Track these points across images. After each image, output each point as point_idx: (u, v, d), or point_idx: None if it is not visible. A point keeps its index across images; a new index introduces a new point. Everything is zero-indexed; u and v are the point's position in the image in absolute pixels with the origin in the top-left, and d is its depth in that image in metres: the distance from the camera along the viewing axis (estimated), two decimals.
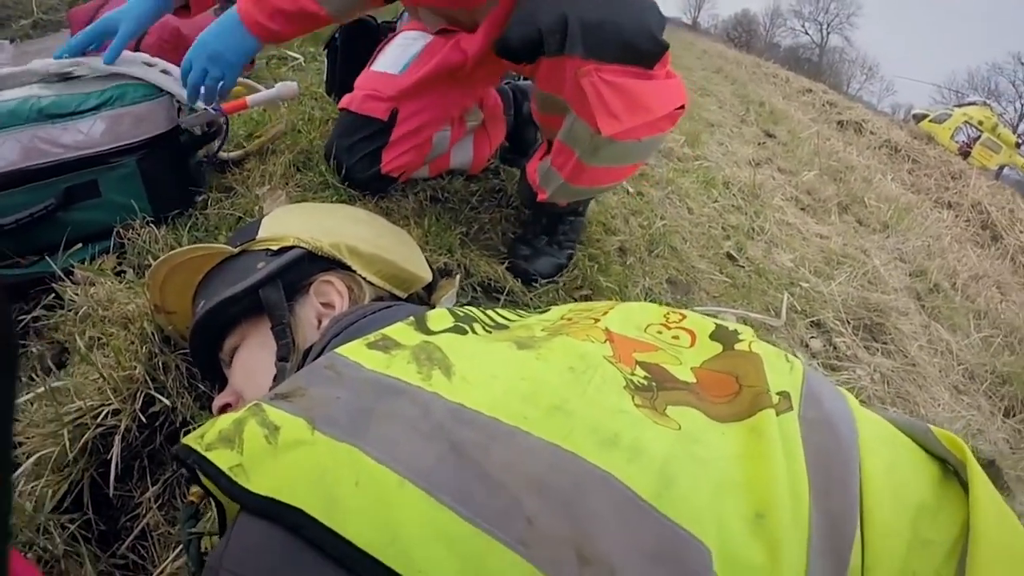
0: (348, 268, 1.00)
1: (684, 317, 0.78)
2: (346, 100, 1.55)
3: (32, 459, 0.90)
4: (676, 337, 0.74)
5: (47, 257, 1.21)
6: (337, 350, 0.67)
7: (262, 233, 1.01)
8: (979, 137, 9.68)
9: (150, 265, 1.19)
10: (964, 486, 0.56)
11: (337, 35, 2.00)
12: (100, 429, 0.93)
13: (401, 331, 0.71)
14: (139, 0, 1.35)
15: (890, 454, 0.58)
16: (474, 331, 0.74)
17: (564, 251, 1.68)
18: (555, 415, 0.55)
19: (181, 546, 0.93)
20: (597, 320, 0.75)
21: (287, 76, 2.48)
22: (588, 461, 0.52)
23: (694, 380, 0.65)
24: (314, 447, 0.54)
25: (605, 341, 0.68)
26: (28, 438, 0.93)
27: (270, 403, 0.59)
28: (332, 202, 1.45)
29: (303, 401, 0.59)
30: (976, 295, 3.25)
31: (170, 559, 0.92)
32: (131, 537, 0.94)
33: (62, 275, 1.17)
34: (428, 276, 1.09)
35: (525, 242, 1.65)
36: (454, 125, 1.72)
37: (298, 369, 0.84)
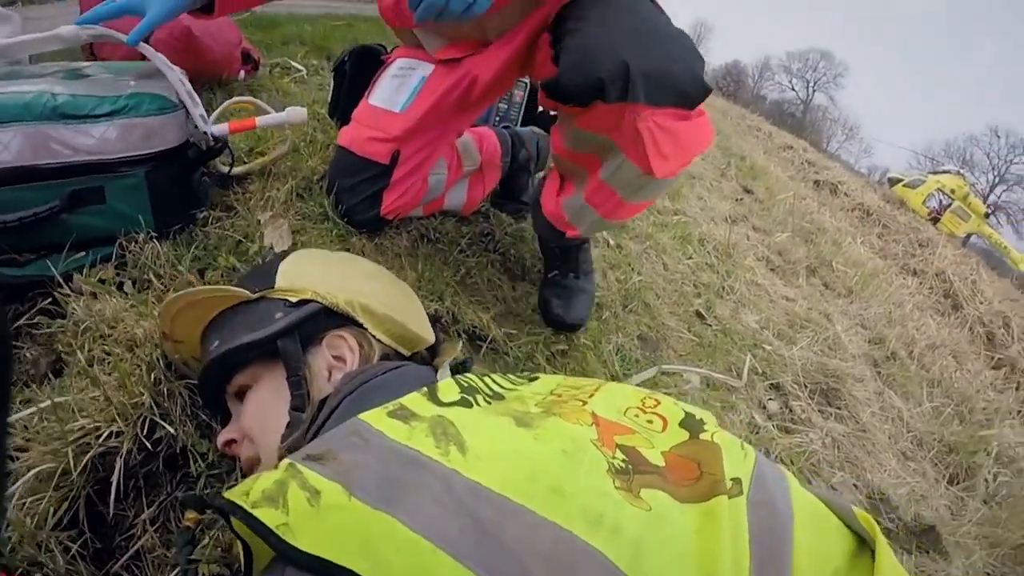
0: (360, 325, 1.05)
1: (658, 403, 0.87)
2: (347, 139, 1.57)
3: (32, 473, 0.92)
4: (650, 421, 0.82)
5: (47, 260, 1.21)
6: (360, 417, 0.74)
7: (280, 282, 1.05)
8: (950, 205, 9.90)
9: (150, 280, 1.22)
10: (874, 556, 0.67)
11: (346, 59, 2.02)
12: (101, 449, 0.96)
13: (416, 402, 0.78)
14: None
15: (817, 529, 0.69)
16: (477, 403, 0.81)
17: (590, 278, 1.77)
18: (553, 496, 0.63)
19: (176, 569, 0.96)
20: (585, 403, 0.82)
21: (288, 87, 2.50)
22: (579, 538, 0.60)
23: (663, 464, 0.73)
24: (353, 512, 0.61)
25: (591, 424, 0.76)
26: (25, 451, 0.96)
27: (305, 465, 0.66)
28: (330, 234, 1.49)
29: (335, 465, 0.65)
30: (932, 364, 3.34)
31: None
32: (125, 557, 0.97)
33: (62, 280, 1.18)
34: (431, 339, 1.14)
35: (556, 286, 1.71)
36: (451, 168, 1.76)
37: (312, 421, 0.90)
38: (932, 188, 9.69)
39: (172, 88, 1.34)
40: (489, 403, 0.82)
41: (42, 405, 1.00)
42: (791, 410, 2.34)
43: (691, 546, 0.63)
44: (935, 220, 9.23)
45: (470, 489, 0.63)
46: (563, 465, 0.67)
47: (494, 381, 0.91)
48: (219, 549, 0.98)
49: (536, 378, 0.96)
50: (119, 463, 0.97)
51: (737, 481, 0.71)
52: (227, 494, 0.65)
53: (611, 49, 1.15)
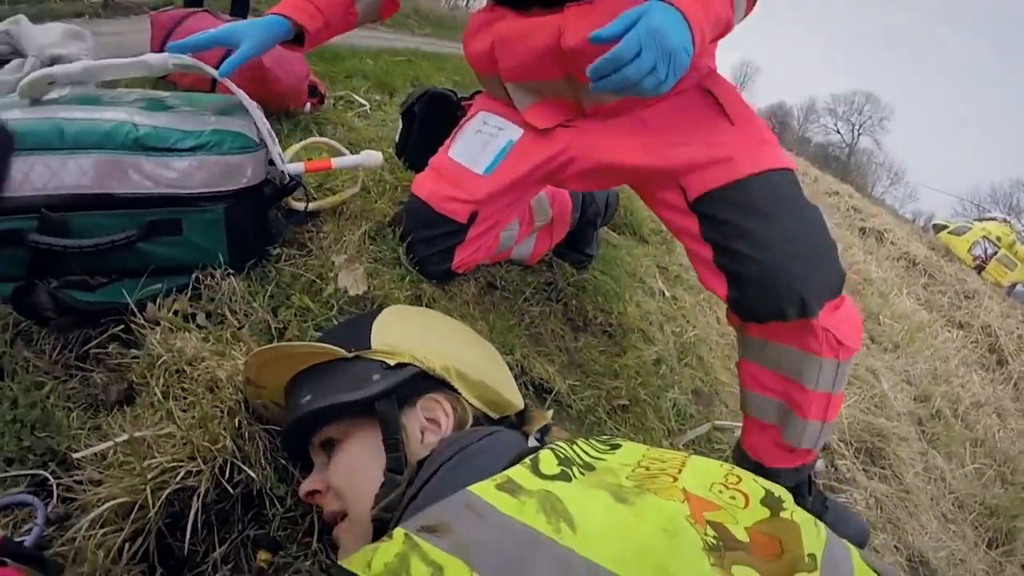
0: (454, 390, 1.05)
1: (740, 480, 0.85)
2: (425, 191, 1.56)
3: (107, 506, 0.93)
4: (733, 497, 0.81)
5: (121, 288, 1.22)
6: (471, 489, 0.73)
7: (376, 343, 1.05)
8: (996, 253, 9.73)
9: (224, 315, 1.24)
10: None
11: (416, 103, 2.04)
12: (177, 486, 0.97)
13: (522, 475, 0.77)
14: (262, 23, 1.39)
15: None
16: (575, 475, 0.80)
17: (822, 494, 1.76)
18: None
19: None
20: (675, 479, 0.81)
21: (352, 121, 2.52)
22: None
23: (748, 540, 0.72)
24: None
25: (683, 501, 0.75)
26: (99, 484, 0.97)
27: (422, 537, 0.65)
28: (402, 281, 1.50)
29: (452, 539, 0.64)
30: (976, 423, 3.33)
31: None
32: None
33: (135, 309, 1.19)
34: (520, 404, 1.14)
35: (826, 512, 1.70)
36: (523, 223, 1.77)
37: (409, 483, 0.91)
38: (978, 235, 9.54)
39: (252, 125, 1.35)
40: (583, 475, 0.81)
41: (119, 439, 1.01)
42: (836, 468, 2.32)
43: None
44: (980, 268, 9.08)
45: (587, 569, 0.62)
46: (665, 544, 0.66)
47: (583, 450, 0.90)
48: None
49: (618, 446, 0.95)
50: (196, 503, 0.98)
51: (812, 557, 0.71)
52: (346, 564, 0.65)
53: (787, 282, 1.29)
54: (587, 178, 1.57)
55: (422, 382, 1.04)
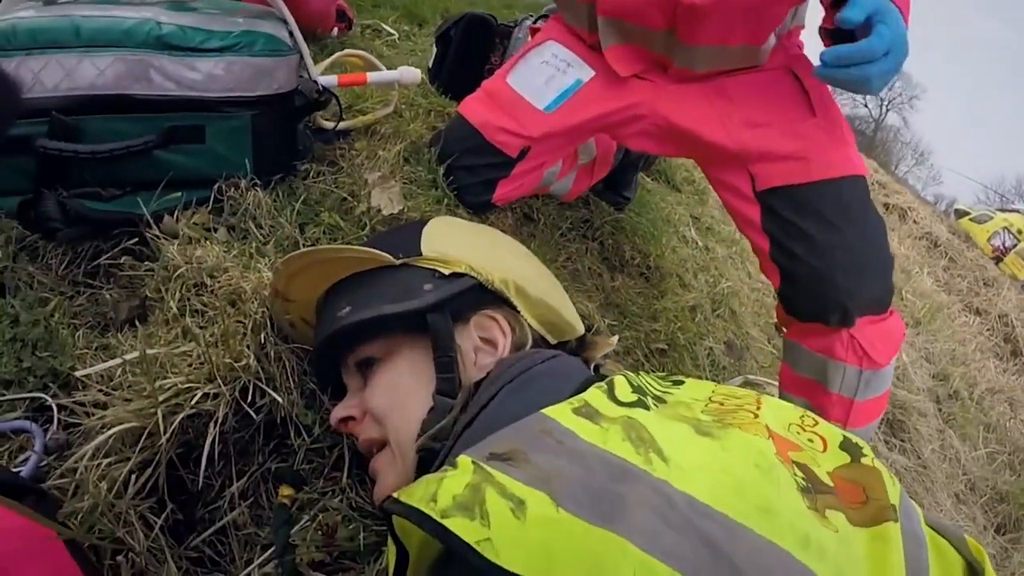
0: (513, 307, 0.94)
1: (817, 423, 0.78)
2: (478, 118, 1.45)
3: (113, 432, 0.83)
4: (811, 440, 0.74)
5: (138, 197, 1.12)
6: (546, 412, 0.65)
7: (427, 250, 0.93)
8: (1015, 245, 9.60)
9: (248, 230, 1.13)
10: None
11: (453, 27, 1.93)
12: (193, 411, 0.86)
13: (598, 399, 0.69)
14: None
15: (942, 561, 0.65)
16: (651, 405, 0.72)
17: None
18: (766, 515, 0.56)
19: (268, 551, 0.88)
20: (756, 415, 0.74)
21: (380, 49, 2.43)
22: (796, 559, 0.54)
23: (832, 484, 0.66)
24: (569, 528, 0.52)
25: (768, 438, 0.68)
26: (104, 408, 0.87)
27: (494, 466, 0.57)
28: (440, 204, 1.39)
29: (530, 469, 0.57)
30: (990, 408, 3.30)
31: (256, 563, 0.87)
32: (210, 532, 0.89)
33: (151, 220, 1.09)
34: (581, 329, 1.03)
35: None
36: (566, 161, 1.67)
37: (463, 408, 0.81)
38: (999, 226, 9.39)
39: (284, 31, 1.25)
40: (657, 406, 0.73)
41: (128, 357, 0.91)
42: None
43: (865, 572, 0.57)
44: (998, 259, 8.96)
45: (688, 503, 0.55)
46: (761, 480, 0.60)
47: (648, 382, 0.81)
48: (320, 533, 0.89)
49: (681, 381, 0.86)
50: (214, 429, 0.87)
51: (894, 508, 0.65)
52: (405, 497, 0.56)
53: (834, 292, 1.31)
54: (651, 139, 1.51)
55: (478, 296, 0.92)
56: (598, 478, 0.56)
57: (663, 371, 1.65)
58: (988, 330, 4.87)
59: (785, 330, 1.50)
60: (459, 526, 0.52)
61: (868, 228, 1.35)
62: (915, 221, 6.36)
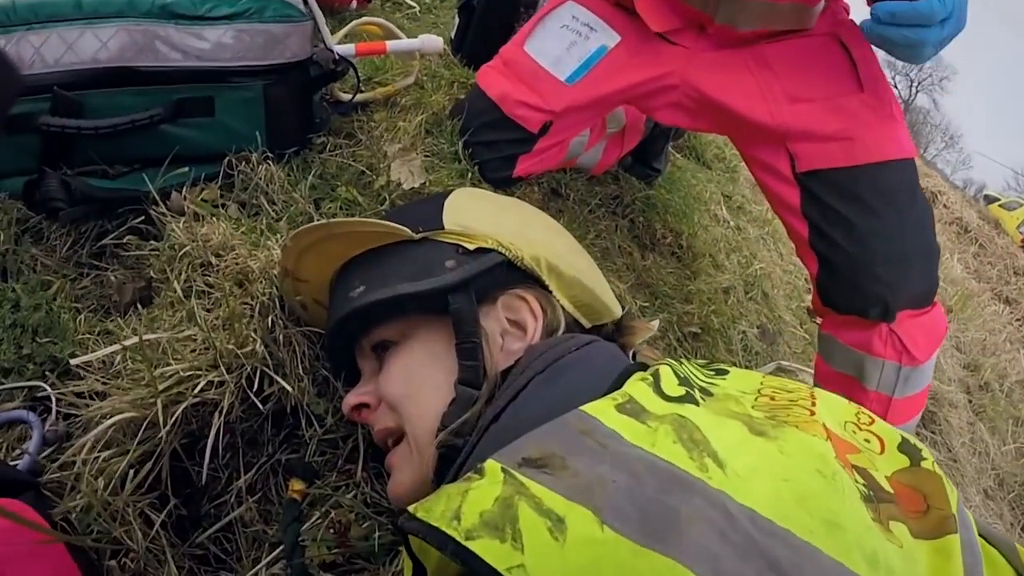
0: (544, 287, 0.86)
1: (873, 421, 0.72)
2: (496, 91, 1.36)
3: (110, 423, 0.77)
4: (868, 440, 0.68)
5: (142, 174, 1.07)
6: (586, 410, 0.58)
7: (449, 223, 0.85)
8: None
9: (260, 206, 1.07)
10: None
11: None
12: (196, 400, 0.80)
13: (644, 394, 0.62)
14: None
15: (995, 573, 0.61)
16: (699, 399, 0.64)
17: None
18: (833, 531, 0.50)
19: (277, 549, 0.83)
20: (812, 413, 0.67)
21: (401, 22, 2.36)
22: None
23: (892, 491, 0.60)
24: (616, 549, 0.46)
25: (827, 439, 0.62)
26: (102, 397, 0.81)
27: (526, 474, 0.51)
28: (463, 177, 1.32)
29: (569, 478, 0.50)
30: (1020, 401, 3.25)
31: (264, 563, 0.81)
32: (215, 528, 0.83)
33: (158, 197, 1.04)
34: (619, 311, 0.94)
35: None
36: (594, 131, 1.59)
37: (489, 399, 0.74)
38: None
39: None
40: (704, 400, 0.65)
41: (127, 343, 0.85)
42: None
43: None
44: None
45: (750, 519, 0.49)
46: (825, 489, 0.54)
47: (692, 372, 0.74)
48: (332, 531, 0.83)
49: (725, 371, 0.79)
50: (218, 419, 0.81)
51: (954, 518, 0.59)
52: (423, 514, 0.50)
53: (875, 284, 1.26)
54: (683, 112, 1.41)
55: (506, 274, 0.83)
56: (647, 489, 0.50)
57: (696, 356, 1.59)
58: (1018, 320, 4.80)
59: (820, 320, 1.44)
60: (487, 549, 0.46)
61: (914, 215, 1.28)
62: (945, 206, 6.28)
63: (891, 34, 1.04)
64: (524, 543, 0.46)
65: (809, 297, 2.37)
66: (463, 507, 0.49)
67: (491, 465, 0.53)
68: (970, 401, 2.86)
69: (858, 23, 1.28)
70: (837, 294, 1.32)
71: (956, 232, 5.93)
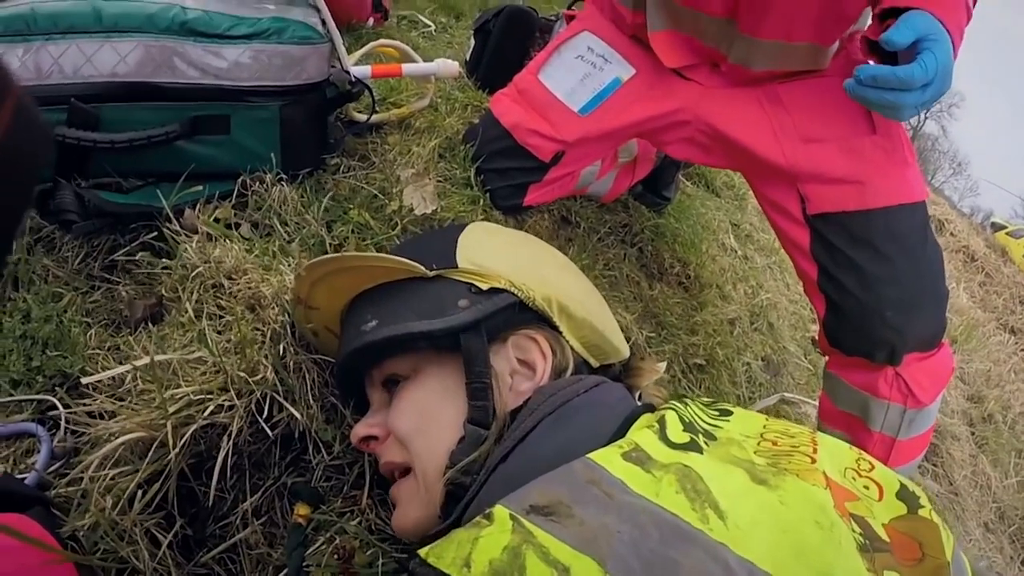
0: (554, 327, 0.86)
1: (873, 467, 0.72)
2: (509, 119, 1.37)
3: (119, 442, 0.77)
4: (867, 487, 0.69)
5: (156, 189, 1.07)
6: (592, 457, 0.59)
7: (463, 261, 0.86)
8: None
9: (272, 226, 1.08)
10: None
11: (492, 22, 1.87)
12: (205, 422, 0.80)
13: (650, 441, 0.63)
14: None
15: None
16: (703, 446, 0.65)
17: None
18: None
19: (281, 572, 0.83)
20: (813, 460, 0.68)
21: (416, 41, 2.38)
22: None
23: (888, 540, 0.61)
24: None
25: (826, 487, 0.63)
26: (110, 417, 0.81)
27: (534, 523, 0.52)
28: (475, 204, 1.32)
29: (576, 528, 0.51)
30: (1023, 433, 3.21)
31: None
32: (220, 549, 0.83)
33: (171, 214, 1.04)
34: (627, 352, 0.95)
35: None
36: (605, 160, 1.60)
37: (497, 439, 0.75)
38: None
39: (315, 19, 1.19)
40: (707, 445, 0.66)
41: (138, 363, 0.85)
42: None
43: None
44: None
45: (748, 572, 0.50)
46: (822, 541, 0.55)
47: (696, 414, 0.74)
48: (336, 557, 0.83)
49: (729, 412, 0.79)
50: (226, 443, 0.81)
51: (948, 566, 0.60)
52: (435, 560, 0.52)
53: (883, 329, 1.25)
54: (695, 148, 1.41)
55: (517, 315, 0.84)
56: (650, 540, 0.51)
57: (700, 388, 1.60)
58: (1023, 350, 4.78)
59: (826, 357, 1.43)
60: None
61: (924, 261, 1.28)
62: (952, 234, 6.24)
63: (872, 96, 1.04)
64: None
65: (814, 327, 2.41)
66: (473, 554, 0.50)
67: (500, 511, 0.53)
68: (973, 433, 2.84)
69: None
70: (844, 336, 1.31)
71: (962, 260, 5.89)
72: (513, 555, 0.50)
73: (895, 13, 1.05)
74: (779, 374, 2.01)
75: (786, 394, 1.92)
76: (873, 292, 1.25)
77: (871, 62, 1.13)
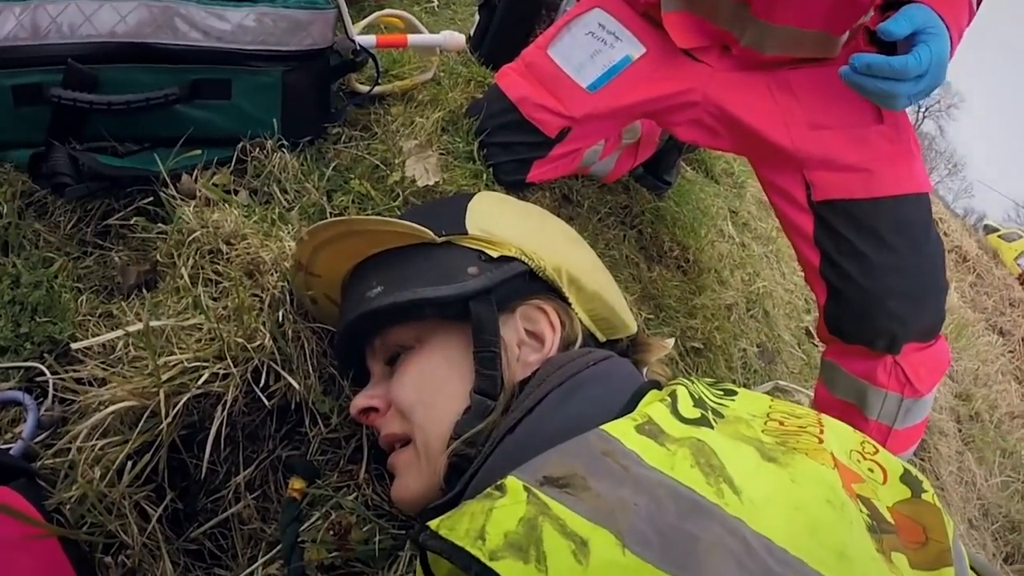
0: (563, 299, 0.84)
1: (877, 451, 0.72)
2: (516, 92, 1.35)
3: (109, 411, 0.75)
4: (871, 470, 0.68)
5: (153, 153, 1.04)
6: (606, 428, 0.58)
7: (473, 228, 0.83)
8: None
9: (271, 193, 1.06)
10: None
11: None
12: (199, 391, 0.78)
13: (662, 415, 0.62)
14: None
15: None
16: (713, 422, 0.64)
17: None
18: (842, 562, 0.51)
19: (274, 549, 0.82)
20: (821, 441, 0.67)
21: (420, 16, 2.34)
22: None
23: (893, 522, 0.61)
24: (637, 574, 0.46)
25: (834, 468, 0.62)
26: (100, 384, 0.79)
27: (549, 494, 0.51)
28: (478, 178, 1.30)
29: (592, 500, 0.50)
30: (1008, 433, 3.27)
31: (260, 562, 0.79)
32: (211, 524, 0.82)
33: (168, 179, 1.01)
34: (635, 327, 0.93)
35: None
36: (608, 140, 1.59)
37: (504, 410, 0.73)
38: None
39: None
40: (716, 422, 0.65)
41: (131, 329, 0.83)
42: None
43: None
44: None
45: (765, 548, 0.49)
46: (835, 520, 0.54)
47: (703, 392, 0.73)
48: (331, 532, 0.81)
49: (734, 392, 0.78)
50: (221, 413, 0.79)
51: (950, 551, 0.60)
52: (447, 532, 0.50)
53: (884, 317, 1.26)
54: (703, 130, 1.41)
55: (527, 284, 0.82)
56: (667, 514, 0.50)
57: (697, 371, 1.59)
58: (1011, 352, 4.82)
59: (823, 346, 1.45)
60: (512, 571, 0.47)
61: (927, 251, 1.29)
62: (945, 234, 6.30)
63: (866, 83, 1.06)
64: (548, 565, 0.47)
65: (808, 318, 2.43)
66: (487, 526, 0.49)
67: (512, 483, 0.52)
68: (960, 430, 2.88)
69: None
70: (845, 324, 1.32)
71: (954, 260, 5.94)
72: (529, 527, 0.49)
73: (897, 5, 1.07)
74: (774, 362, 2.01)
75: (780, 382, 1.93)
76: (877, 281, 1.25)
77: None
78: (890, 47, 1.06)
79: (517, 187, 1.40)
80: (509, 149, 1.35)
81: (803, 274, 1.44)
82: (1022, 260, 9.10)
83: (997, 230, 9.37)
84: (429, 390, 0.78)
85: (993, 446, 2.96)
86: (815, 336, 2.33)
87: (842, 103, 1.28)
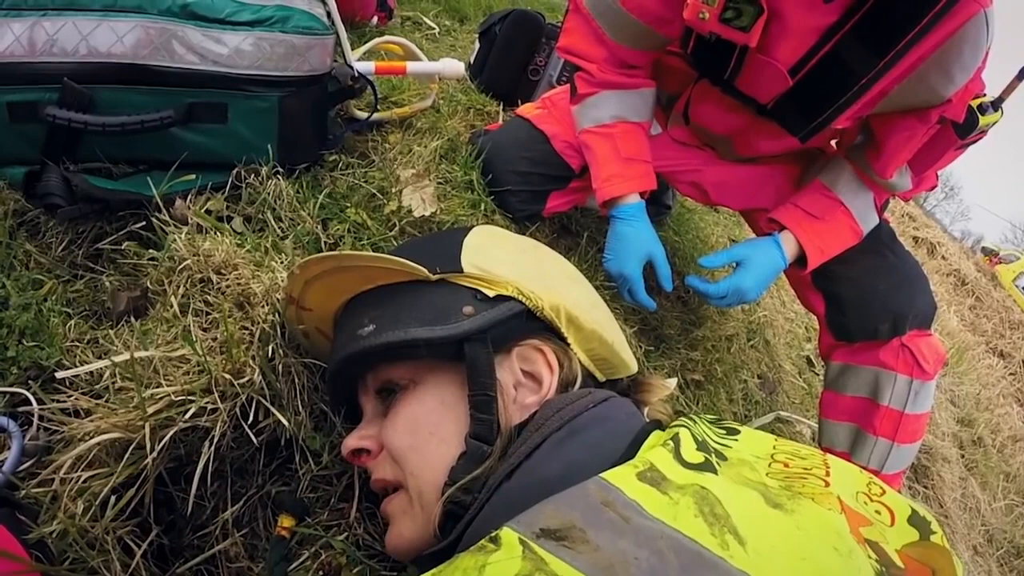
0: (562, 338, 0.83)
1: (884, 492, 0.71)
2: (549, 128, 1.42)
3: (94, 442, 0.73)
4: (879, 512, 0.67)
5: (147, 177, 1.03)
6: (606, 477, 0.56)
7: (468, 265, 0.82)
8: None
9: (266, 221, 1.04)
10: None
11: (498, 25, 1.85)
12: (186, 425, 0.76)
13: (664, 461, 0.60)
14: None
15: None
16: (716, 468, 0.63)
17: None
18: None
19: None
20: (826, 483, 0.66)
21: (420, 42, 2.36)
22: None
23: (903, 566, 0.59)
24: None
25: (841, 512, 0.61)
26: (85, 415, 0.77)
27: (545, 547, 0.49)
28: (476, 208, 1.29)
29: (591, 554, 0.49)
30: (1011, 456, 3.27)
31: None
32: (198, 560, 0.79)
33: (161, 204, 1.00)
34: (635, 367, 0.91)
35: None
36: None
37: (501, 454, 0.71)
38: None
39: (321, 11, 1.15)
40: (720, 465, 0.64)
41: (117, 359, 0.81)
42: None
43: None
44: None
45: None
46: (842, 568, 0.53)
47: (706, 432, 0.71)
48: (321, 573, 0.80)
49: (736, 431, 0.76)
50: (208, 448, 0.77)
51: None
52: None
53: (882, 302, 1.41)
54: (698, 191, 1.62)
55: (524, 324, 0.80)
56: (670, 568, 0.48)
57: (698, 404, 1.59)
58: (1012, 375, 4.80)
59: (831, 360, 1.55)
60: None
61: (904, 253, 1.49)
62: (943, 257, 6.28)
63: (699, 293, 1.42)
64: None
65: (809, 346, 2.44)
66: None
67: (508, 535, 0.50)
68: (962, 456, 2.87)
69: None
70: (848, 322, 1.45)
71: (953, 284, 5.91)
72: None
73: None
74: (775, 392, 2.01)
75: (782, 412, 1.93)
76: (868, 275, 1.42)
77: None
78: None
79: (529, 217, 1.44)
80: (528, 179, 1.40)
81: (798, 301, 1.57)
82: (1020, 281, 9.07)
83: (995, 252, 9.34)
84: (422, 434, 0.76)
85: (996, 471, 2.96)
86: (816, 365, 2.38)
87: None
